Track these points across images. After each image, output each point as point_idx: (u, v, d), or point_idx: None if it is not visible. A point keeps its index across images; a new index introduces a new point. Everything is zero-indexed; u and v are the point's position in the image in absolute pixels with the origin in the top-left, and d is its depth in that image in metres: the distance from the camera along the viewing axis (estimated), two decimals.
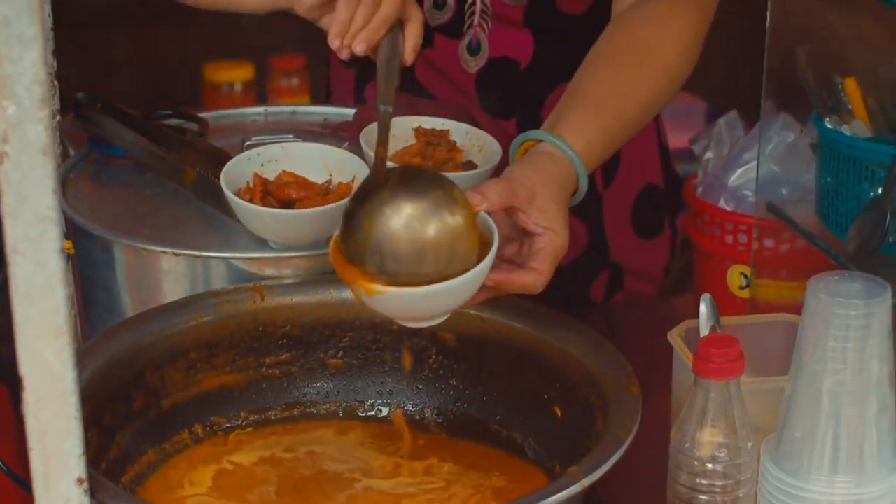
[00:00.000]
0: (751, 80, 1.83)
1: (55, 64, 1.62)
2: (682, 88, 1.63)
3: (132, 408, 1.43)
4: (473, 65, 1.84)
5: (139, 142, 1.65)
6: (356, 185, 1.52)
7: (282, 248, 1.52)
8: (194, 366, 1.48)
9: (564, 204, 1.42)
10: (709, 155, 1.93)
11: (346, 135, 1.74)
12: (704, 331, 1.42)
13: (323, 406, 1.53)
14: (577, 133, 1.46)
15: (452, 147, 1.60)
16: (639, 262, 1.96)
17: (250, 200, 1.50)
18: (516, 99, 1.85)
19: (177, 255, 1.52)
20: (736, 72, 2.74)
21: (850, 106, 1.66)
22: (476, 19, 1.83)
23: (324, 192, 1.53)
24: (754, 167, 1.80)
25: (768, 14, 1.66)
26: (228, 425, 1.50)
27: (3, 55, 0.99)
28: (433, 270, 1.28)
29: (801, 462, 1.26)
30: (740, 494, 1.29)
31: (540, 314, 1.48)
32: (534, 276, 1.36)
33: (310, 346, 1.52)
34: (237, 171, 1.53)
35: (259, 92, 3.38)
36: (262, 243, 1.53)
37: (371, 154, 1.54)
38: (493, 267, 1.32)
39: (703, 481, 1.29)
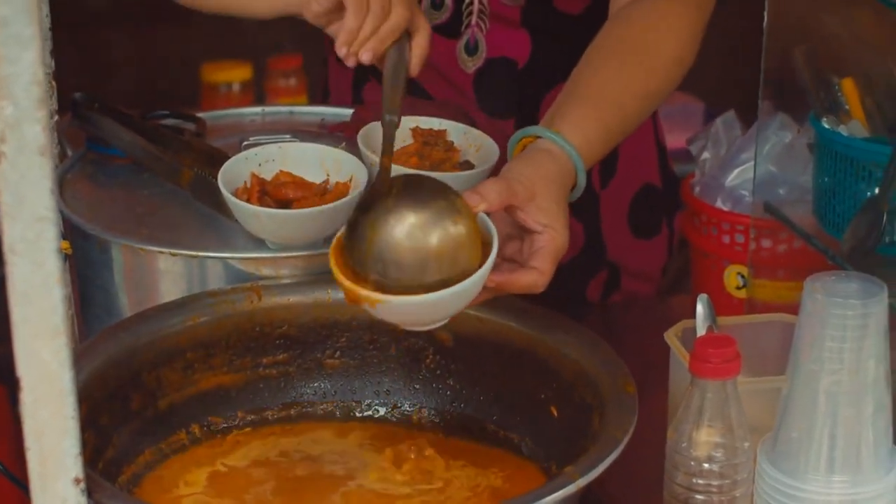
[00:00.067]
0: (748, 81, 1.83)
1: (53, 64, 1.62)
2: (679, 88, 1.63)
3: (129, 408, 1.43)
4: (471, 65, 1.84)
5: (137, 142, 1.65)
6: (353, 185, 1.52)
7: (279, 249, 1.52)
8: (191, 366, 1.48)
9: (564, 201, 1.42)
10: (706, 155, 1.93)
11: (344, 135, 1.74)
12: (701, 331, 1.41)
13: (320, 406, 1.53)
14: (576, 129, 1.46)
15: (449, 147, 1.60)
16: (636, 262, 1.96)
17: (248, 200, 1.50)
18: (514, 99, 1.85)
19: (174, 255, 1.52)
20: (733, 72, 2.73)
21: (847, 106, 1.66)
22: (474, 19, 1.82)
23: (321, 193, 1.53)
24: (751, 167, 1.80)
25: (765, 14, 1.66)
26: (225, 425, 1.50)
27: (1, 55, 0.99)
28: (435, 279, 1.29)
29: (798, 462, 1.26)
30: (737, 494, 1.29)
31: (537, 314, 1.48)
32: (535, 276, 1.36)
33: (307, 346, 1.52)
34: (234, 172, 1.53)
35: (257, 92, 3.38)
36: (259, 243, 1.53)
37: (368, 154, 1.54)
38: (494, 266, 1.32)
39: (700, 481, 1.29)
